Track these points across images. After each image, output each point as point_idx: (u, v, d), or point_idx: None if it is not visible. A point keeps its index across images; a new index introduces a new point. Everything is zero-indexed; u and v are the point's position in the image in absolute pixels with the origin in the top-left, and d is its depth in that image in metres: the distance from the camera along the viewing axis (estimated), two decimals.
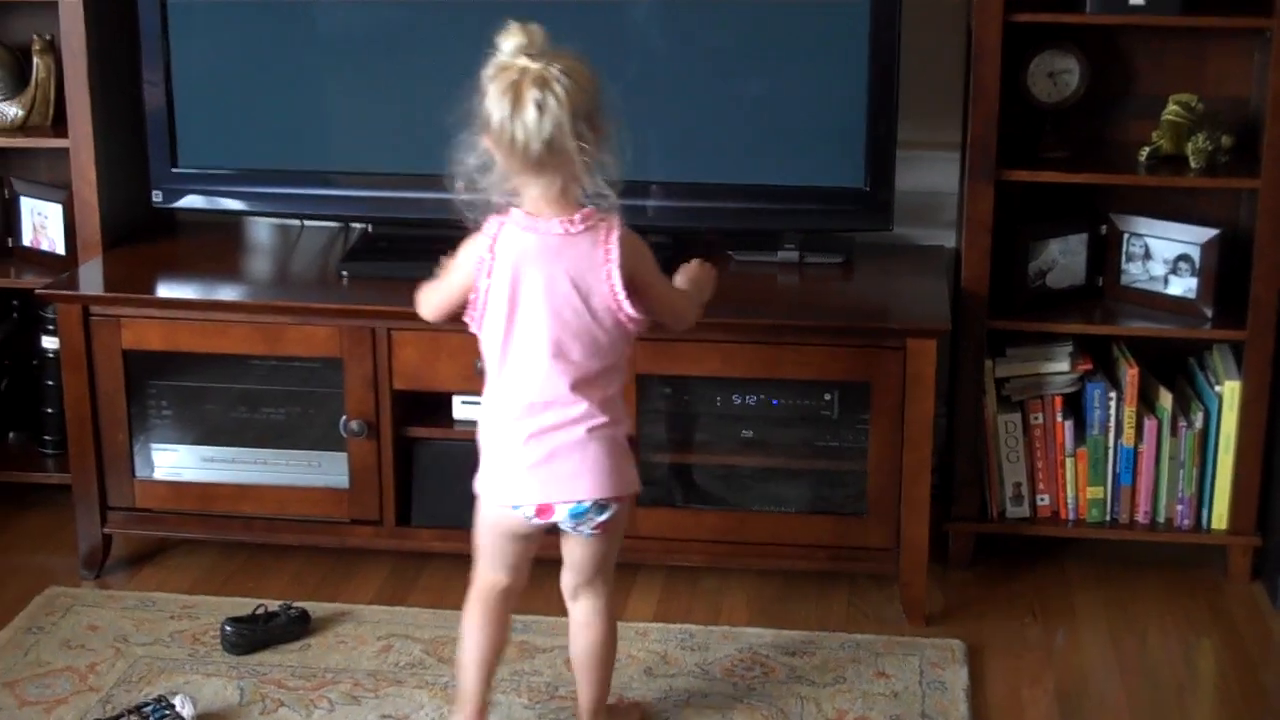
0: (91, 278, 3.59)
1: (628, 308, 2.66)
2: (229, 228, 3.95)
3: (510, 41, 2.58)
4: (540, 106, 2.52)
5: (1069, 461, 3.57)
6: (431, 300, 2.84)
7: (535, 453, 2.69)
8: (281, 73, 3.61)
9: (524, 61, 2.56)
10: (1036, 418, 3.57)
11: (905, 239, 3.74)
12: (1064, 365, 3.56)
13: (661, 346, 3.32)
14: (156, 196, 3.68)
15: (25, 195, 3.89)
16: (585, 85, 2.56)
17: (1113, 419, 3.54)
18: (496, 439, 2.75)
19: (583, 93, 2.55)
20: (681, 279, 2.92)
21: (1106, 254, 3.61)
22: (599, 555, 2.82)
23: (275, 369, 3.56)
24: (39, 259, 3.87)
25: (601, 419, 2.69)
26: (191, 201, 3.69)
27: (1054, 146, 3.56)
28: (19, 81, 3.83)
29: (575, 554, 2.84)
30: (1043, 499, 3.61)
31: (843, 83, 3.44)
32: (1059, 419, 3.55)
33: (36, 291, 3.55)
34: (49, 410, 3.85)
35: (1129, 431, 3.53)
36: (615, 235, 2.64)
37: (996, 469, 3.59)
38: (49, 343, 3.78)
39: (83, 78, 3.62)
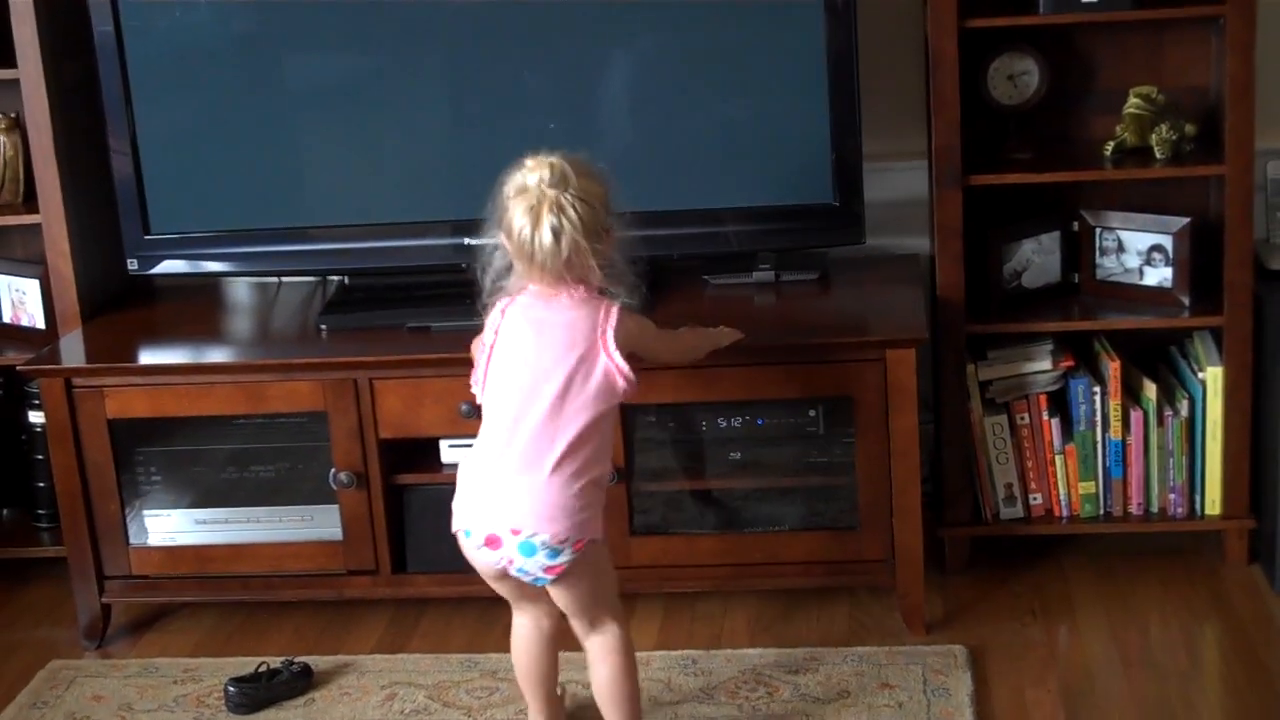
0: (72, 350, 3.60)
1: (624, 367, 2.82)
2: (207, 289, 3.97)
3: (533, 175, 2.79)
4: (556, 233, 2.75)
5: (1058, 459, 3.58)
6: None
7: (501, 484, 2.80)
8: (248, 131, 3.63)
9: (544, 187, 2.77)
10: (1023, 418, 3.57)
11: (880, 250, 3.75)
12: (1046, 364, 3.57)
13: (645, 376, 3.32)
14: (132, 264, 3.69)
15: (1, 273, 3.90)
16: (596, 204, 2.79)
17: (1099, 413, 3.55)
18: (469, 471, 2.87)
19: (593, 212, 2.78)
20: (697, 332, 3.17)
21: (1080, 250, 3.62)
22: (578, 599, 2.87)
23: (261, 427, 3.57)
24: (20, 335, 3.88)
25: (573, 466, 2.78)
26: (167, 267, 3.71)
27: (1019, 148, 3.58)
28: None
29: (559, 599, 2.89)
30: (1035, 498, 3.61)
31: (804, 101, 3.46)
32: (1045, 417, 3.56)
33: (18, 368, 3.57)
34: (40, 484, 3.85)
35: (1115, 424, 3.54)
36: (615, 307, 2.84)
37: (987, 472, 3.60)
38: (35, 417, 3.79)
39: (49, 152, 3.64)
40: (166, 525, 3.59)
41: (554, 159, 2.79)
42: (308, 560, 3.52)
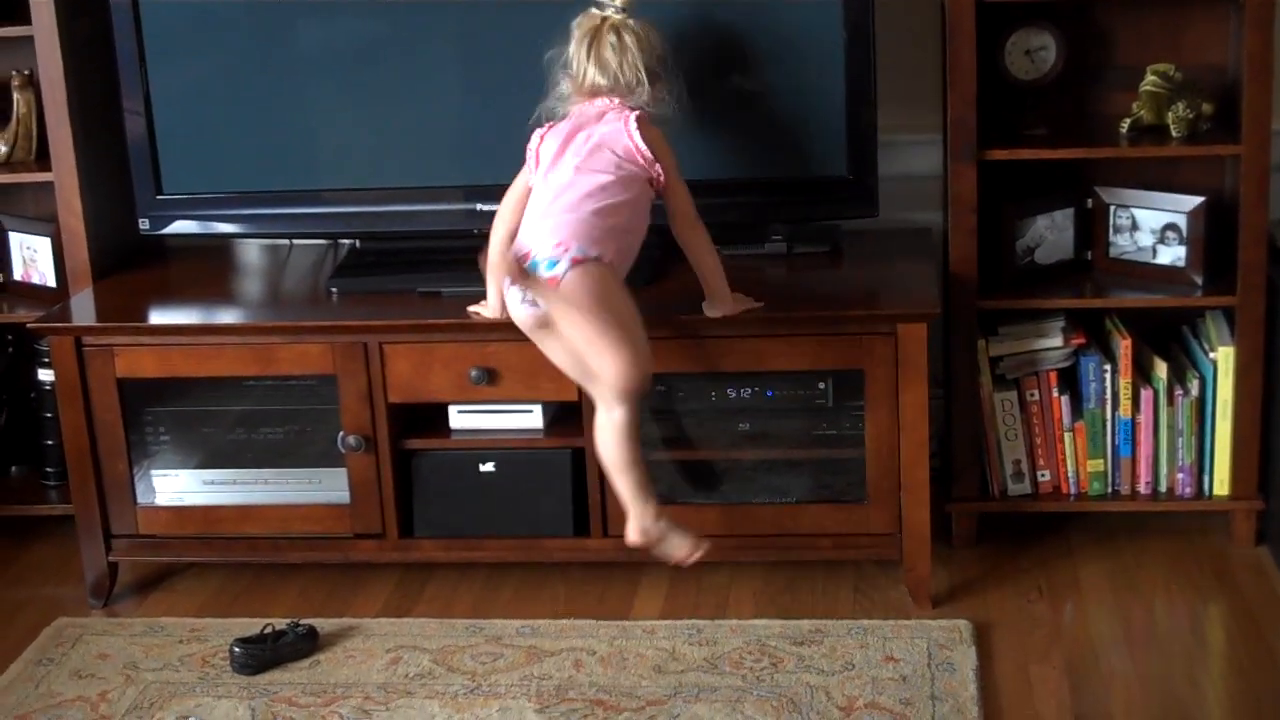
0: (83, 309, 3.60)
1: (642, 145, 3.13)
2: (218, 251, 3.97)
3: (605, 8, 3.20)
4: (614, 48, 3.15)
5: (1067, 436, 3.58)
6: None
7: (523, 226, 3.15)
8: (261, 93, 3.62)
9: (608, 11, 3.19)
10: (1032, 394, 3.57)
11: (892, 224, 3.73)
12: (1057, 340, 3.56)
13: (655, 345, 3.32)
14: (143, 224, 3.69)
15: (13, 230, 3.91)
16: (654, 41, 3.20)
17: (1109, 391, 3.54)
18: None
19: (652, 46, 3.19)
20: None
21: (1093, 227, 3.61)
22: (578, 334, 3.04)
23: (271, 389, 3.57)
24: (30, 292, 3.88)
25: (593, 204, 3.07)
26: (179, 227, 3.70)
27: (1035, 123, 3.56)
28: (0, 118, 3.84)
29: (566, 333, 3.08)
30: (1043, 475, 3.61)
31: (821, 72, 3.45)
32: (1055, 394, 3.56)
33: (28, 325, 3.57)
34: (49, 442, 3.86)
35: (1125, 403, 3.53)
36: (640, 111, 3.17)
37: (996, 447, 3.60)
38: (45, 375, 3.79)
39: (63, 110, 3.64)
40: (174, 485, 3.59)
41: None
42: (315, 523, 3.52)
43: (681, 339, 3.32)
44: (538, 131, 3.23)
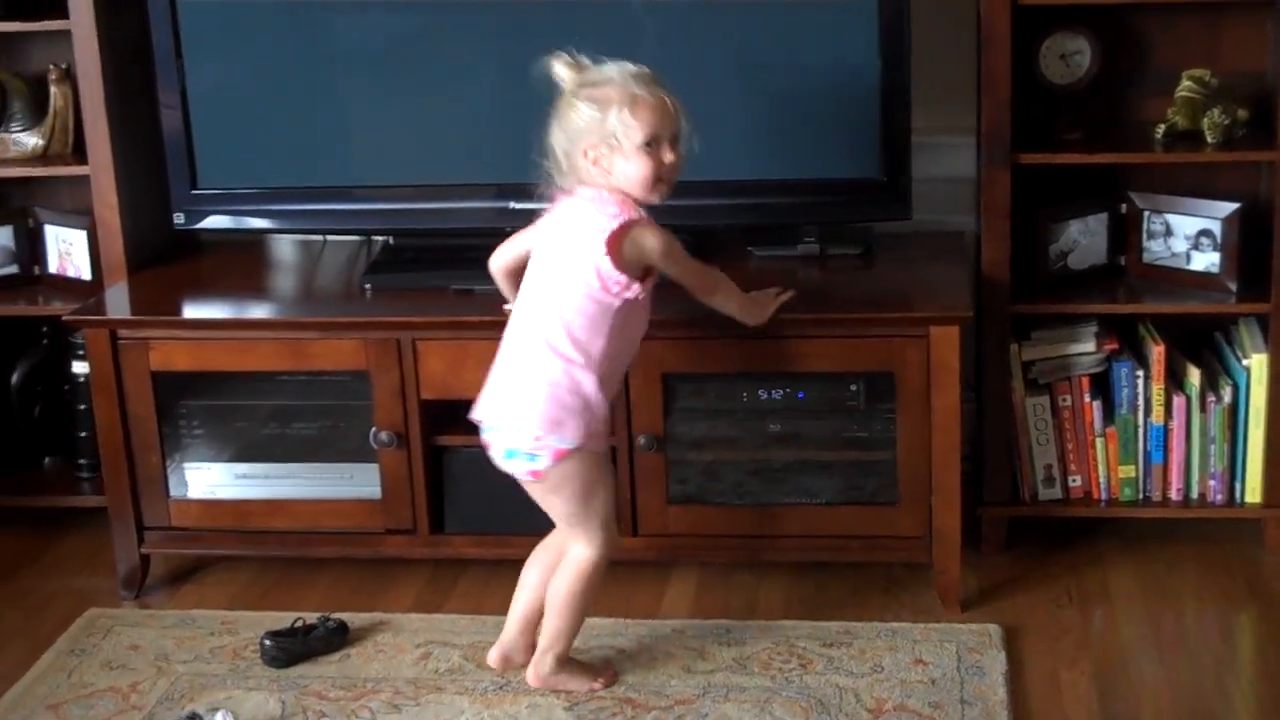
0: (118, 302, 3.62)
1: (609, 269, 2.91)
2: (252, 246, 3.98)
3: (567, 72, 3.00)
4: (556, 129, 2.97)
5: (1099, 441, 3.57)
6: None
7: (494, 378, 3.03)
8: (297, 90, 3.63)
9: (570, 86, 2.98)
10: (1064, 399, 3.57)
11: (925, 226, 3.73)
12: (1090, 345, 3.56)
13: (687, 345, 3.34)
14: (178, 218, 3.70)
15: (49, 223, 3.93)
16: (595, 112, 2.93)
17: (1141, 397, 3.53)
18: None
19: (597, 120, 2.93)
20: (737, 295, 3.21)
21: (1127, 233, 3.61)
22: (558, 511, 3.04)
23: (304, 384, 3.58)
24: (66, 285, 3.90)
25: (560, 365, 2.93)
26: (213, 222, 3.72)
27: (1069, 128, 3.56)
28: (38, 111, 3.86)
29: (542, 505, 3.06)
30: (1074, 480, 3.61)
31: (855, 74, 3.45)
32: (1087, 399, 3.55)
33: (64, 318, 3.58)
34: (82, 434, 3.88)
35: (1158, 409, 3.53)
36: (624, 217, 2.94)
37: (1027, 452, 3.59)
38: (79, 368, 3.81)
39: (100, 104, 3.65)
40: (207, 478, 3.61)
41: (588, 61, 2.98)
42: (346, 518, 3.53)
43: (713, 339, 3.32)
44: (541, 220, 3.09)
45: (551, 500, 3.03)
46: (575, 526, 3.05)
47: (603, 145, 2.93)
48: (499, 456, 3.02)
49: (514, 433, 2.97)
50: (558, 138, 2.97)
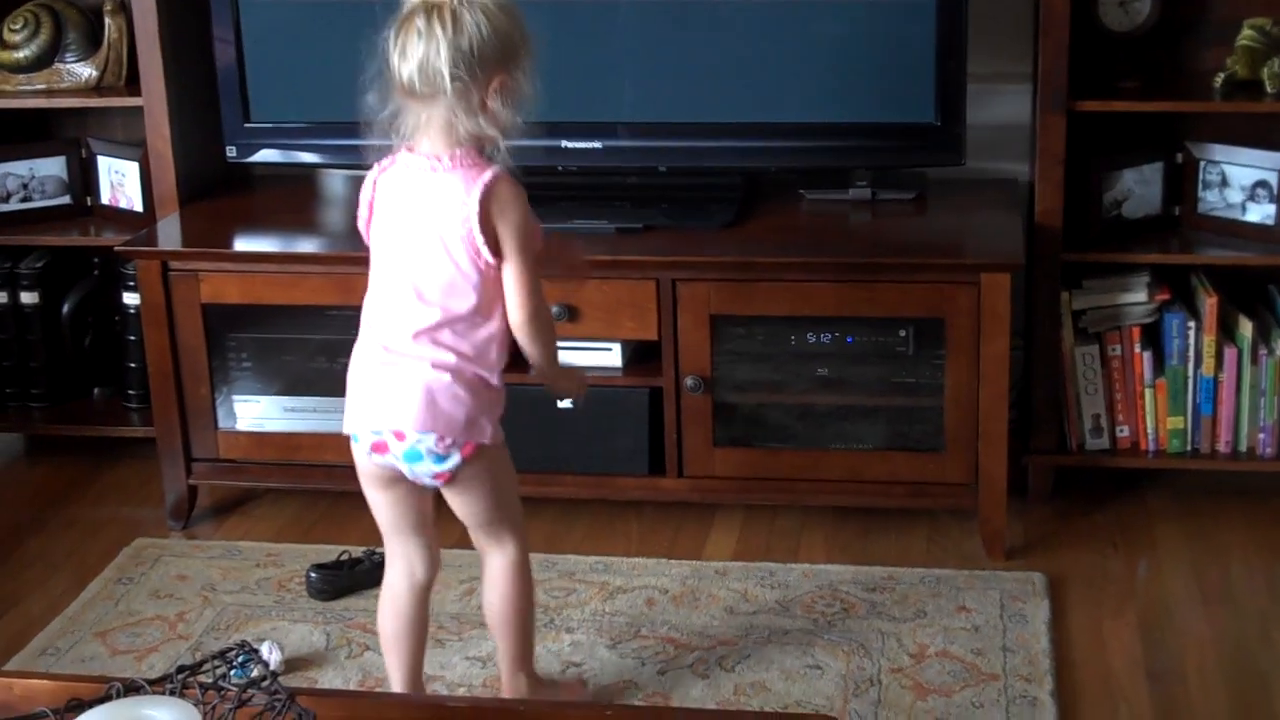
0: (169, 233, 3.63)
1: (486, 254, 2.56)
2: (303, 180, 3.98)
3: None
4: (420, 34, 2.50)
5: (1148, 392, 3.55)
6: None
7: (378, 381, 2.63)
8: (350, 24, 3.61)
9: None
10: (1114, 349, 3.54)
11: (978, 173, 3.71)
12: (1141, 296, 3.53)
13: (735, 287, 3.33)
14: (230, 151, 3.71)
15: (102, 154, 3.94)
16: (485, 28, 2.50)
17: (1192, 349, 3.51)
18: (355, 369, 2.69)
19: (478, 33, 2.50)
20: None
21: (1183, 182, 3.57)
22: (472, 511, 2.71)
23: (352, 318, 3.51)
24: (117, 216, 3.92)
25: (452, 361, 2.58)
26: (265, 156, 3.73)
27: (1127, 75, 3.52)
28: (92, 43, 3.87)
29: (454, 507, 2.73)
30: (1122, 430, 3.59)
31: (911, 17, 3.43)
32: (1137, 350, 3.53)
33: (116, 249, 3.60)
34: (132, 365, 3.91)
35: (1209, 361, 3.50)
36: (484, 179, 2.55)
37: (1075, 401, 3.57)
38: (130, 299, 3.83)
39: (154, 36, 3.65)
40: (255, 411, 3.63)
41: None
42: None
43: (762, 282, 3.31)
44: (372, 171, 2.70)
45: (467, 504, 2.70)
46: (493, 523, 2.73)
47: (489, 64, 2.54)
48: (399, 461, 2.64)
49: (409, 427, 2.61)
50: (420, 46, 2.52)
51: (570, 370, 2.92)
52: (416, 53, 2.51)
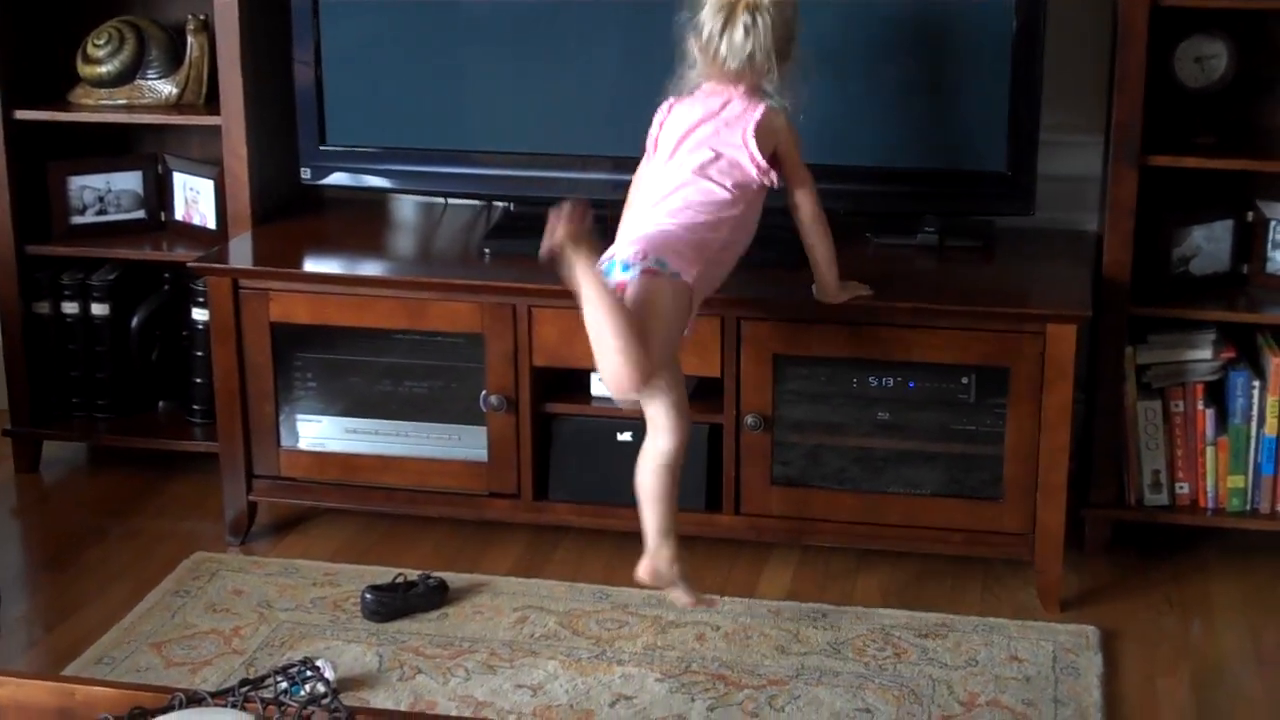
0: (241, 252, 3.68)
1: (758, 155, 3.07)
2: (374, 205, 4.03)
3: None
4: (748, 30, 3.05)
5: (1209, 450, 3.53)
6: None
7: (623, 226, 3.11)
8: (428, 53, 3.67)
9: None
10: (1177, 405, 3.53)
11: (1046, 223, 3.71)
12: (1207, 353, 3.52)
13: (798, 328, 3.34)
14: (305, 173, 3.76)
15: (178, 171, 3.99)
16: (788, 18, 3.10)
17: (1255, 408, 3.49)
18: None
19: (785, 25, 3.09)
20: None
21: (1252, 241, 3.56)
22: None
23: (418, 343, 3.62)
24: (190, 233, 3.96)
25: (688, 217, 3.03)
26: (339, 179, 3.77)
27: (1201, 132, 3.52)
28: (174, 60, 3.92)
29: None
30: (1182, 487, 3.57)
31: (987, 67, 3.44)
32: (1200, 407, 3.52)
33: (188, 265, 3.65)
34: (198, 380, 3.95)
35: (1272, 420, 3.48)
36: (764, 105, 3.10)
37: (1135, 456, 3.56)
38: (199, 315, 3.88)
39: (235, 56, 3.70)
40: (317, 430, 3.66)
41: None
42: (451, 478, 3.57)
43: (826, 323, 3.32)
44: (665, 103, 3.20)
45: (635, 310, 2.92)
46: (650, 348, 2.90)
47: (784, 49, 3.11)
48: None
49: (626, 243, 3.04)
50: (760, 43, 3.07)
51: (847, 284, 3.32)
52: (746, 47, 3.06)
